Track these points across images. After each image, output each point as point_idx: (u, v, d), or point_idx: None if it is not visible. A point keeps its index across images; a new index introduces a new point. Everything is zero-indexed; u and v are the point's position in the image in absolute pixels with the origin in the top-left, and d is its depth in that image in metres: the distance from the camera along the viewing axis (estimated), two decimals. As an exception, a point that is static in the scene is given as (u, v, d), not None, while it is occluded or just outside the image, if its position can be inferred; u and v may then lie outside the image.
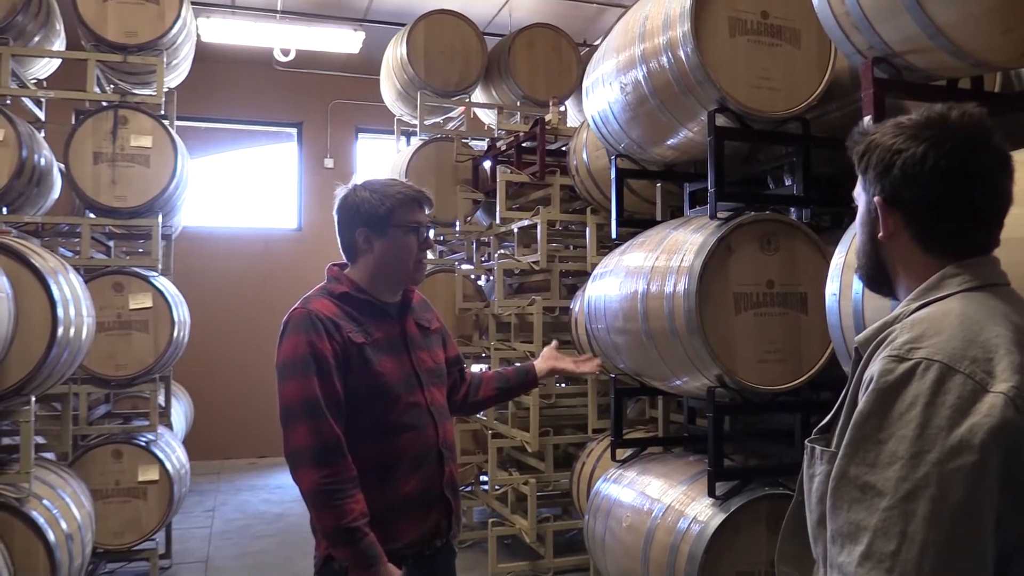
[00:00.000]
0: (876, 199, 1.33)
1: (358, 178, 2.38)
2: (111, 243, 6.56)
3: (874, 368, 1.21)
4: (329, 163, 11.01)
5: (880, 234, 1.34)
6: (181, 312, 5.97)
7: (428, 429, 2.28)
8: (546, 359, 2.75)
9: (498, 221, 6.40)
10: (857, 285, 2.35)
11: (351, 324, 2.22)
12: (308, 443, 2.08)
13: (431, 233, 2.42)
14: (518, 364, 2.82)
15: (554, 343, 2.83)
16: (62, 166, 5.67)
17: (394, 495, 2.20)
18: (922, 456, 1.11)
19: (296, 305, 2.24)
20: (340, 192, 2.34)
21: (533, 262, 5.98)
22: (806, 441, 1.36)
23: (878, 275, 1.41)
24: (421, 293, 2.52)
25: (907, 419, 1.13)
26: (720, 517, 3.29)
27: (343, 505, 2.05)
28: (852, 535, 1.15)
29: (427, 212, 2.38)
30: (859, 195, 1.41)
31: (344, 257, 2.37)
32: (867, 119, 2.48)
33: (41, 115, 6.09)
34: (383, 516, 2.14)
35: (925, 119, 1.30)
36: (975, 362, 1.14)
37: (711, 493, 3.40)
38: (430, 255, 8.04)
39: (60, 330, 4.00)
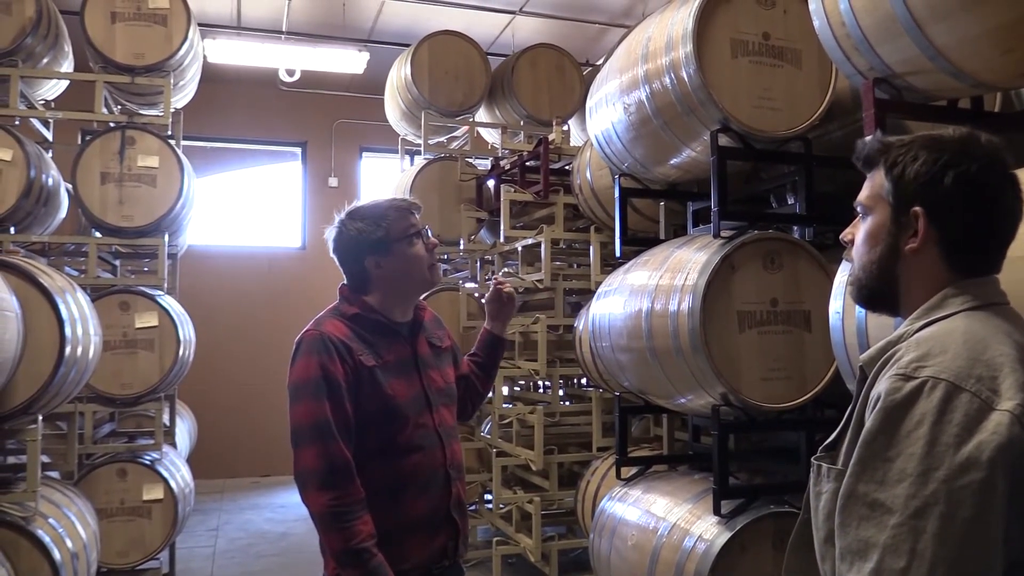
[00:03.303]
0: (917, 209, 1.31)
1: (340, 212, 2.35)
2: (117, 262, 6.59)
3: (881, 387, 1.22)
4: (333, 182, 11.07)
5: (910, 245, 1.33)
6: (186, 331, 5.98)
7: (436, 450, 2.28)
8: (490, 316, 2.67)
9: (502, 240, 6.42)
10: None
11: (362, 346, 2.22)
12: (317, 465, 2.09)
13: (430, 233, 2.42)
14: (479, 339, 2.71)
15: (491, 288, 2.65)
16: (69, 186, 5.71)
17: (402, 516, 2.20)
18: (931, 473, 1.12)
19: (308, 326, 2.25)
20: (331, 233, 2.33)
21: (537, 280, 6.00)
22: (812, 459, 1.37)
23: (885, 290, 1.39)
24: (433, 311, 2.52)
25: (915, 437, 1.15)
26: (726, 535, 3.29)
27: (352, 527, 2.06)
28: (861, 552, 1.16)
29: (417, 216, 2.36)
30: (872, 203, 1.38)
31: (352, 287, 2.35)
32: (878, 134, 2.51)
33: (49, 135, 6.13)
34: (390, 537, 2.14)
35: (965, 137, 1.31)
36: (980, 380, 1.15)
37: (716, 511, 3.39)
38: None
39: (68, 349, 4.01)
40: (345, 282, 2.39)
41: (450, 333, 2.58)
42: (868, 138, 1.43)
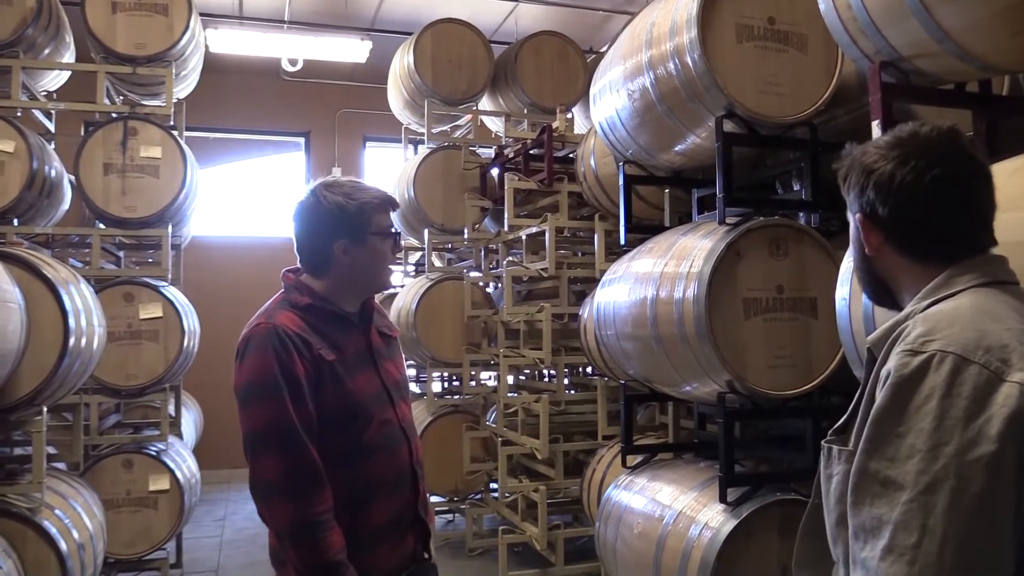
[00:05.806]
0: (858, 216, 1.39)
1: (313, 181, 2.18)
2: (121, 253, 6.59)
3: (890, 364, 1.22)
4: (337, 172, 11.03)
5: (866, 249, 1.40)
6: (191, 321, 5.99)
7: (402, 448, 2.13)
8: None
9: (506, 228, 6.41)
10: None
11: (319, 340, 2.03)
12: (282, 473, 1.92)
13: (401, 239, 2.29)
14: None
15: None
16: (72, 177, 5.70)
17: (371, 524, 2.05)
18: (940, 448, 1.12)
19: (257, 319, 2.05)
20: (304, 200, 2.14)
21: (542, 269, 5.98)
22: (822, 442, 1.37)
23: (878, 288, 1.46)
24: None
25: (924, 412, 1.14)
26: (732, 523, 3.28)
27: (326, 538, 1.89)
28: (875, 529, 1.16)
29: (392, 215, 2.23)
30: (849, 215, 1.46)
31: (304, 266, 2.18)
32: (876, 132, 2.49)
33: (51, 127, 6.12)
34: (359, 547, 1.98)
35: (896, 138, 1.36)
36: (989, 351, 1.15)
37: (722, 499, 3.39)
38: (438, 263, 8.06)
39: (72, 340, 4.01)
40: (289, 268, 2.20)
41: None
42: (841, 153, 1.49)
